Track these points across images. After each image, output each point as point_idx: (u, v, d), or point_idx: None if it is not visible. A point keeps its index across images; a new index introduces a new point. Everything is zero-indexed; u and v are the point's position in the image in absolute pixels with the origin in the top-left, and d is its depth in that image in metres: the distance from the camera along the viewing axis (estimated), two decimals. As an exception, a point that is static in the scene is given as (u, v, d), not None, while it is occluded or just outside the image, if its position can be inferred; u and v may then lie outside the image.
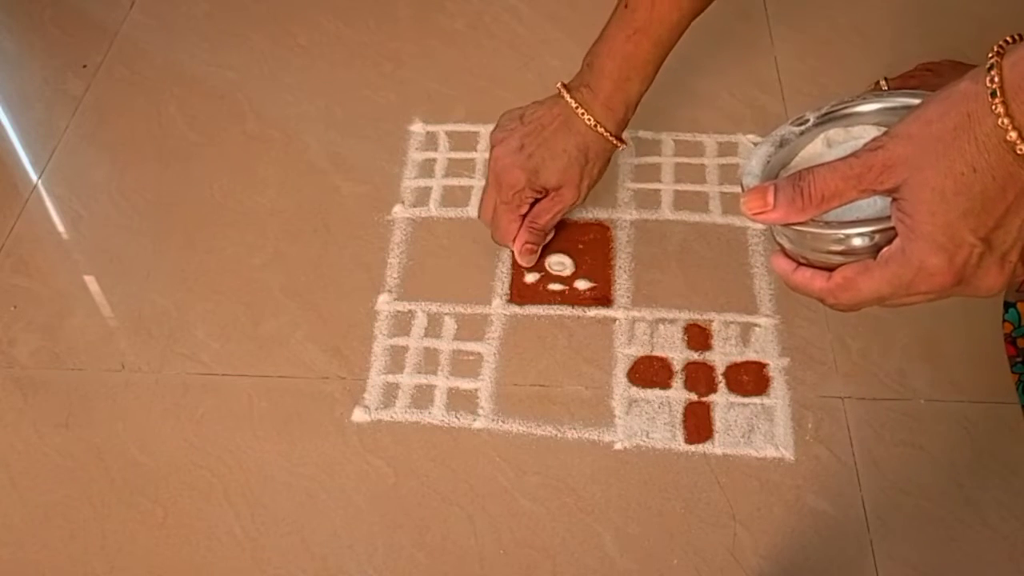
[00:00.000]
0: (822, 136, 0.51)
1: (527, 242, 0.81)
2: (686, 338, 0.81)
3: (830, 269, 0.47)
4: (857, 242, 0.45)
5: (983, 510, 0.70)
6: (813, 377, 0.78)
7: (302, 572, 0.70)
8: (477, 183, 0.94)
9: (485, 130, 0.99)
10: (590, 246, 0.88)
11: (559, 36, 1.09)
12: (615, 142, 0.78)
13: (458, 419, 0.78)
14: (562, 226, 0.89)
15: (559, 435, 0.76)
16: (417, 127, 1.00)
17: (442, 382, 0.80)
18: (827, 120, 0.51)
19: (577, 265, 0.87)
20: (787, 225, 0.46)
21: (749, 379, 0.78)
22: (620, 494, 0.73)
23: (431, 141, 0.99)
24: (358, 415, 0.78)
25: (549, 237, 0.85)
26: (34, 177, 0.98)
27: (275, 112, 1.03)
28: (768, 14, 1.09)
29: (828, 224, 0.45)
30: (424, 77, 1.05)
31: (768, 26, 1.08)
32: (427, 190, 0.94)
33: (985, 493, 0.71)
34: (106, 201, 0.95)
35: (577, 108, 0.76)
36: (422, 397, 0.79)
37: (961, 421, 0.75)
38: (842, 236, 0.45)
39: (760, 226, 0.88)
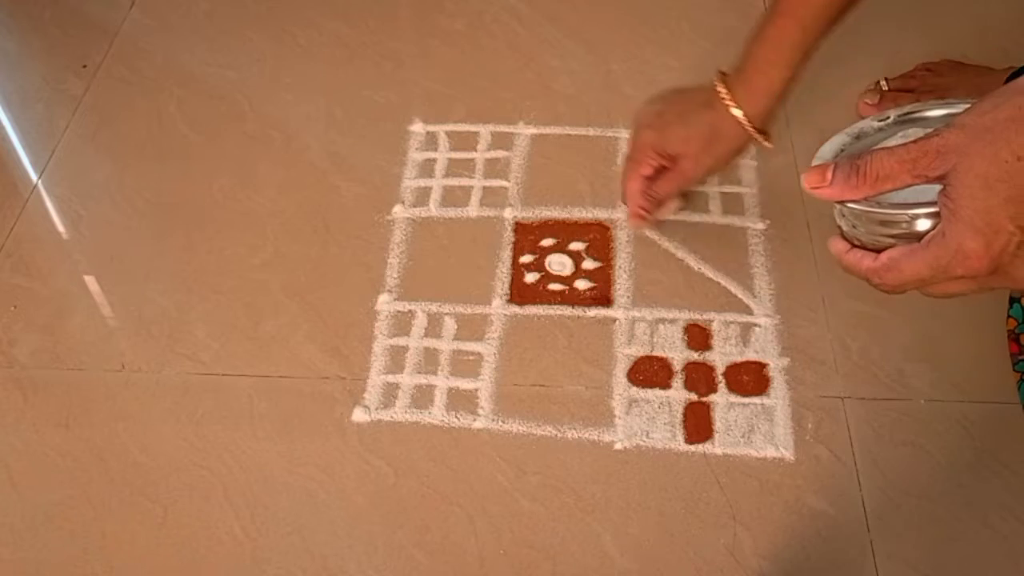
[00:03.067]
0: (900, 134, 0.52)
1: (639, 205, 0.80)
2: (686, 338, 0.81)
3: (879, 252, 0.48)
4: (920, 224, 0.46)
5: (983, 510, 0.70)
6: (813, 377, 0.78)
7: (302, 572, 0.70)
8: (477, 183, 0.94)
9: (485, 130, 0.99)
10: (590, 246, 0.88)
11: (559, 36, 1.09)
12: (750, 130, 0.74)
13: (458, 419, 0.78)
14: (562, 226, 0.89)
15: (559, 435, 0.76)
16: (417, 127, 1.00)
17: (442, 382, 0.80)
18: (907, 120, 0.53)
19: (577, 265, 0.87)
20: (844, 203, 0.48)
21: (749, 379, 0.78)
22: (620, 494, 0.73)
23: (431, 141, 0.99)
24: (358, 415, 0.78)
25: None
26: (34, 177, 0.98)
27: (275, 112, 1.03)
28: (768, 14, 1.09)
29: (893, 205, 0.47)
30: (424, 77, 1.05)
31: (768, 26, 1.07)
32: (427, 190, 0.94)
33: (985, 493, 0.71)
34: (106, 201, 0.95)
35: (719, 88, 0.75)
36: (422, 397, 0.79)
37: (961, 421, 0.75)
38: (907, 217, 0.46)
39: (761, 226, 0.88)
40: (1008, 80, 0.88)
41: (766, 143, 0.76)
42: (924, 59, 0.98)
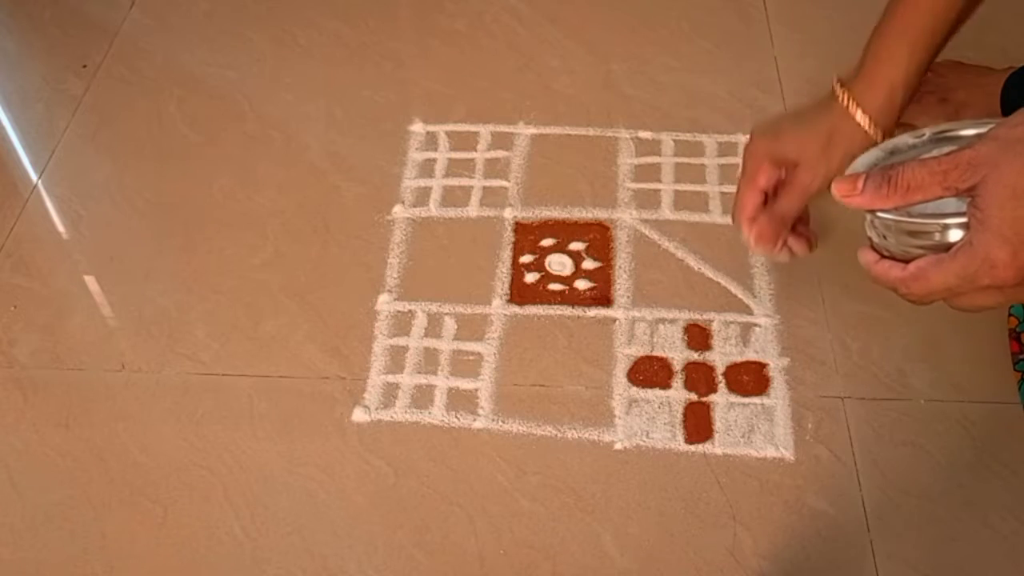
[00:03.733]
0: (935, 151, 0.52)
1: (763, 226, 0.70)
2: (686, 338, 0.81)
3: (908, 263, 0.49)
4: (952, 235, 0.46)
5: (983, 510, 0.70)
6: (813, 377, 0.78)
7: (302, 572, 0.70)
8: (477, 183, 0.94)
9: (485, 130, 0.99)
10: (590, 246, 0.88)
11: (559, 36, 1.09)
12: (868, 129, 0.66)
13: (458, 419, 0.78)
14: (562, 226, 0.89)
15: (559, 435, 0.76)
16: (417, 127, 1.00)
17: (442, 382, 0.80)
18: (942, 138, 0.53)
19: (577, 265, 0.87)
20: (875, 213, 0.48)
21: (749, 379, 0.78)
22: (620, 494, 0.73)
23: (431, 141, 0.99)
24: (358, 415, 0.78)
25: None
26: (34, 177, 0.98)
27: (275, 112, 1.03)
28: (768, 14, 1.09)
29: (925, 215, 0.47)
30: (424, 77, 1.05)
31: (768, 26, 1.08)
32: (427, 190, 0.94)
33: (985, 493, 0.71)
34: (106, 201, 0.95)
35: (836, 88, 0.67)
36: (422, 397, 0.79)
37: (961, 421, 0.75)
38: (939, 228, 0.47)
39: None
40: (1007, 80, 0.89)
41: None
42: (924, 59, 0.98)
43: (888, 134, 0.68)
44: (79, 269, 0.90)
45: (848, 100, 0.67)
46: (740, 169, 0.74)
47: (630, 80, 1.03)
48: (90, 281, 0.89)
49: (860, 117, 0.67)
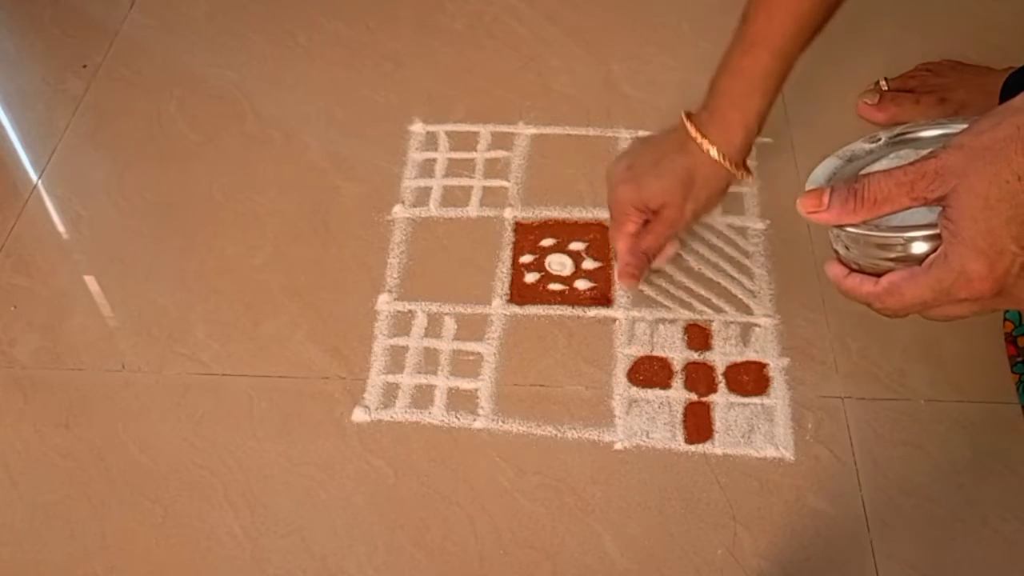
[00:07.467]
0: (892, 155, 0.51)
1: (626, 263, 0.77)
2: (686, 338, 0.81)
3: (879, 276, 0.48)
4: (915, 247, 0.45)
5: (983, 510, 0.71)
6: (813, 377, 0.78)
7: (302, 572, 0.70)
8: (477, 183, 0.94)
9: (485, 130, 0.99)
10: (590, 246, 0.88)
11: (559, 36, 1.09)
12: (729, 167, 0.72)
13: (458, 419, 0.78)
14: (562, 226, 0.89)
15: (559, 435, 0.76)
16: (417, 127, 1.00)
17: (442, 382, 0.80)
18: (899, 141, 0.52)
19: (577, 265, 0.87)
20: (842, 227, 0.47)
21: (749, 379, 0.78)
22: (620, 494, 0.73)
23: (431, 141, 0.99)
24: (358, 415, 0.78)
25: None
26: (34, 177, 0.98)
27: (275, 112, 1.03)
28: (768, 14, 1.09)
29: (890, 228, 0.46)
30: (424, 77, 1.05)
31: (768, 26, 1.08)
32: (427, 190, 0.94)
33: (985, 493, 0.71)
34: (106, 201, 0.95)
35: (692, 130, 0.72)
36: (422, 397, 0.79)
37: (961, 421, 0.75)
38: (903, 240, 0.46)
39: (761, 226, 0.88)
40: (1007, 80, 0.89)
41: (747, 177, 0.74)
42: (924, 59, 0.98)
43: (744, 168, 0.74)
44: (79, 269, 0.90)
45: (707, 145, 0.71)
46: (609, 214, 0.79)
47: (630, 80, 1.03)
48: (90, 281, 0.89)
49: (719, 157, 0.71)
